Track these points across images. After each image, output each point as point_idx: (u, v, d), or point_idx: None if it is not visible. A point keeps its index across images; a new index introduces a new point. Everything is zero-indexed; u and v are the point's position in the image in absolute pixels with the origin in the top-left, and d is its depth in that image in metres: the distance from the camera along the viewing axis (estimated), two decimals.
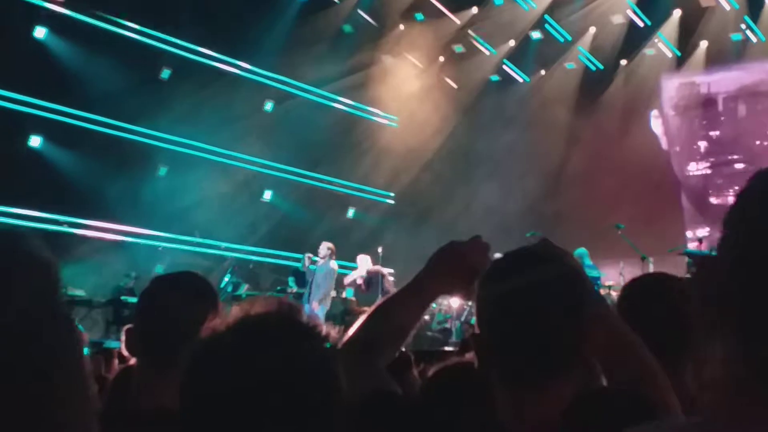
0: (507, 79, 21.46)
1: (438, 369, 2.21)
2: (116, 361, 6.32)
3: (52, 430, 0.83)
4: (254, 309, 1.41)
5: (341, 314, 14.50)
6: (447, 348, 12.28)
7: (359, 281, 14.90)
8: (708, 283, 0.97)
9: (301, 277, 15.11)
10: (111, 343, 9.51)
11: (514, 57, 21.05)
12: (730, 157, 18.64)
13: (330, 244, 14.21)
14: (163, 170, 16.90)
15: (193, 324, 2.26)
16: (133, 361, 2.51)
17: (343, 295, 16.14)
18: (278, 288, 16.10)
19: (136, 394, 2.29)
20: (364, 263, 14.87)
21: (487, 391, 1.87)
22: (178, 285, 2.47)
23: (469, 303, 13.66)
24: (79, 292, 13.19)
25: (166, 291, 2.45)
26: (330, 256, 14.05)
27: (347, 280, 15.04)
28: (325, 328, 1.44)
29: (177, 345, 2.13)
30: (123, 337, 2.45)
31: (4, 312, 0.82)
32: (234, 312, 1.42)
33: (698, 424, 0.94)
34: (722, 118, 19.03)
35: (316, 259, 14.17)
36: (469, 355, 2.19)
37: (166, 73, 17.03)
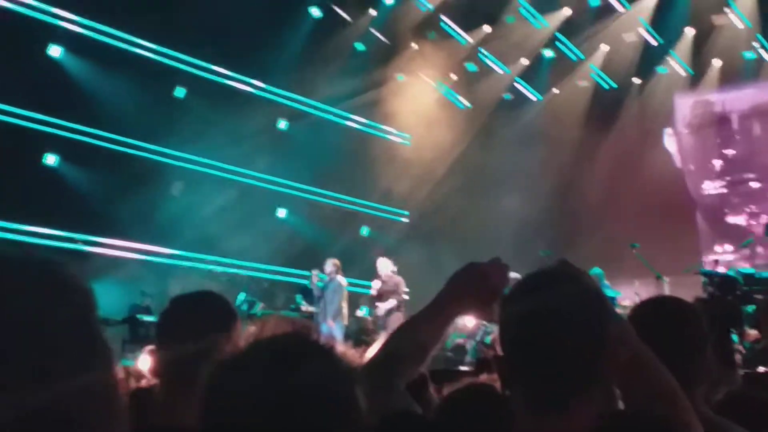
0: (520, 97, 21.48)
1: (453, 390, 2.21)
2: (132, 380, 6.31)
3: None
4: (270, 330, 1.42)
5: (356, 333, 14.45)
6: (462, 368, 12.21)
7: (374, 292, 14.56)
8: None
9: (309, 295, 15.11)
10: (126, 362, 9.51)
11: (527, 75, 21.08)
12: (745, 176, 18.54)
13: (335, 260, 14.31)
14: (178, 188, 16.93)
15: (213, 344, 2.28)
16: (144, 381, 2.52)
17: (358, 313, 16.09)
18: (291, 306, 16.09)
19: (158, 414, 2.30)
20: (384, 266, 14.48)
21: (502, 412, 1.88)
22: (197, 305, 2.48)
23: (485, 323, 13.62)
24: None
25: (186, 312, 2.46)
26: (336, 272, 14.13)
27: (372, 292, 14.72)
28: (341, 348, 1.44)
29: (198, 365, 2.14)
30: (144, 358, 2.47)
31: (51, 335, 0.84)
32: (250, 332, 1.43)
33: None
34: (737, 137, 18.96)
35: (324, 276, 14.19)
36: (484, 376, 2.19)
37: (180, 92, 17.11)
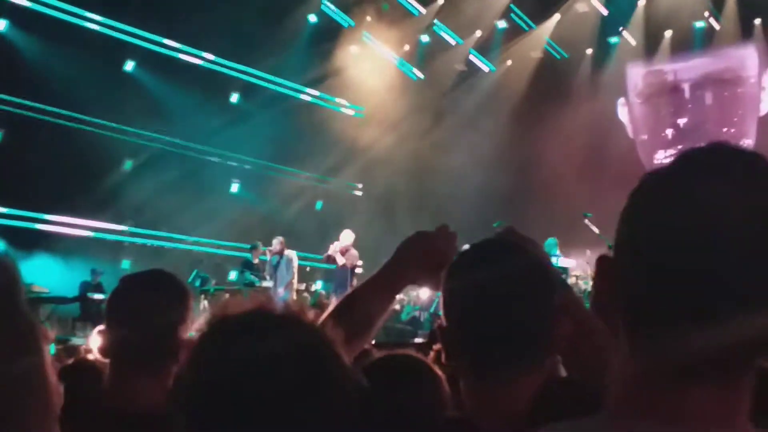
0: (473, 68, 21.50)
1: (377, 359, 2.18)
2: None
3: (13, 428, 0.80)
4: (235, 307, 1.38)
5: (310, 307, 14.45)
6: (417, 340, 12.26)
7: (335, 254, 14.71)
8: (607, 281, 0.98)
9: (252, 268, 15.22)
10: (77, 340, 9.41)
11: (481, 47, 21.09)
12: (697, 145, 18.66)
13: (281, 238, 14.97)
14: (128, 164, 16.75)
15: (166, 324, 2.25)
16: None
17: (312, 287, 16.12)
18: (245, 282, 16.01)
19: (110, 395, 2.24)
20: (348, 238, 14.89)
21: (429, 381, 1.88)
22: (148, 284, 2.42)
23: (438, 293, 13.70)
24: (44, 289, 13.00)
25: (137, 291, 2.40)
26: (283, 249, 14.85)
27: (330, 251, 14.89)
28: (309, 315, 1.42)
29: (151, 346, 2.09)
30: (94, 339, 2.41)
31: None
32: (216, 310, 1.39)
33: (601, 420, 0.93)
34: (689, 106, 19.10)
35: (274, 258, 14.89)
36: (437, 346, 2.16)
37: (130, 65, 16.87)
